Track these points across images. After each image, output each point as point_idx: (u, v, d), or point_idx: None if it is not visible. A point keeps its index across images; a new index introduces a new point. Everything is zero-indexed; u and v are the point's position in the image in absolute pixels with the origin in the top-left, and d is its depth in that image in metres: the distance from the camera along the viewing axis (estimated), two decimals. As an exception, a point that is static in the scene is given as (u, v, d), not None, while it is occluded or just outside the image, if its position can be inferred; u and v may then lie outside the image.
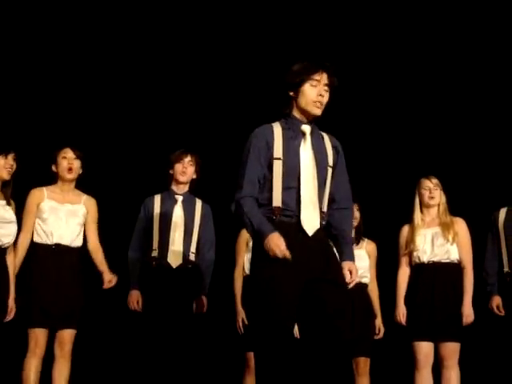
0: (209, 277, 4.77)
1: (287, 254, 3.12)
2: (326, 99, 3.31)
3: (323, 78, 3.29)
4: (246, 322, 4.72)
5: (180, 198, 4.75)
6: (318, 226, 3.24)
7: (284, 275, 3.13)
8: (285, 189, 3.24)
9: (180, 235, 4.67)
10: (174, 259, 4.63)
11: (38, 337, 4.30)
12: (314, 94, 3.28)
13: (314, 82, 3.28)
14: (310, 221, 3.23)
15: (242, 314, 4.76)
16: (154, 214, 4.71)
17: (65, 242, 4.43)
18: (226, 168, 5.64)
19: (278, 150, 3.28)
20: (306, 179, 3.25)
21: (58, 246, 4.41)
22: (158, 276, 4.61)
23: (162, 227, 4.67)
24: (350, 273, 3.27)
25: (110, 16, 5.73)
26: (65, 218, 4.46)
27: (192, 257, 4.69)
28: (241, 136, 5.69)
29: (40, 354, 4.30)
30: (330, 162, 3.35)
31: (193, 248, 4.70)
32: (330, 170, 3.34)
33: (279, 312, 3.11)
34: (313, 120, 3.36)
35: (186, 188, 4.78)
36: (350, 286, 3.28)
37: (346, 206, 3.40)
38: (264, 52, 5.74)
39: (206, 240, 4.76)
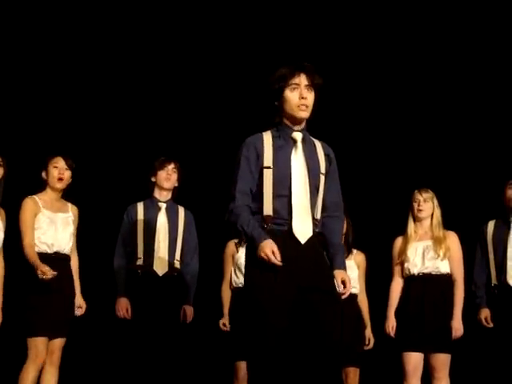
0: (194, 286, 4.78)
1: (277, 262, 3.10)
2: (310, 100, 3.27)
3: (302, 79, 3.26)
4: (228, 328, 4.77)
5: (163, 206, 4.75)
6: (310, 233, 3.23)
7: (276, 284, 3.12)
8: (276, 197, 3.23)
9: (165, 243, 4.68)
10: (161, 267, 4.63)
11: (39, 346, 4.26)
12: (296, 98, 3.25)
13: (293, 86, 3.26)
14: (302, 229, 3.21)
15: (226, 318, 4.81)
16: (138, 221, 4.70)
17: (64, 250, 4.43)
18: (209, 177, 5.70)
19: (267, 158, 3.26)
20: (298, 187, 3.23)
21: (57, 254, 4.40)
22: (145, 284, 4.61)
23: (146, 235, 4.67)
24: (344, 282, 3.25)
25: (96, 27, 5.75)
26: (61, 227, 4.45)
27: (177, 264, 4.70)
28: (223, 144, 5.79)
29: (40, 364, 4.28)
30: (323, 169, 3.33)
31: (177, 256, 4.71)
32: (322, 178, 3.31)
33: (271, 321, 3.09)
34: (304, 126, 3.35)
35: (169, 195, 4.79)
36: (345, 296, 3.26)
37: (336, 215, 3.37)
38: (248, 59, 5.76)
39: (189, 247, 4.77)
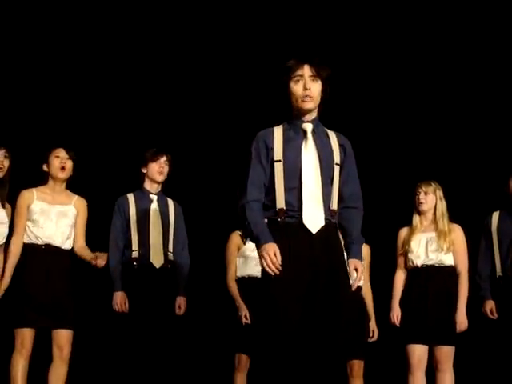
0: (187, 277, 4.76)
1: (274, 269, 3.10)
2: (314, 90, 3.26)
3: (305, 70, 3.26)
4: (248, 320, 4.72)
5: (155, 198, 4.74)
6: (322, 223, 3.21)
7: (288, 275, 3.11)
8: (287, 189, 3.23)
9: (159, 235, 4.66)
10: (157, 259, 4.62)
11: (24, 337, 4.28)
12: (300, 89, 3.25)
13: (297, 78, 3.26)
14: (313, 219, 3.21)
15: (245, 309, 4.75)
16: (131, 213, 4.67)
17: (55, 243, 4.40)
18: (202, 169, 5.73)
19: (278, 152, 3.27)
20: (309, 178, 3.23)
21: (47, 246, 4.38)
22: (142, 277, 4.59)
23: (140, 227, 4.65)
24: (356, 271, 3.25)
25: (94, 22, 5.73)
26: (55, 219, 4.43)
27: (170, 256, 4.69)
28: (212, 136, 5.78)
29: (26, 354, 4.29)
30: (337, 159, 3.32)
31: (170, 247, 4.71)
32: (336, 168, 3.31)
33: (284, 313, 3.10)
34: (316, 117, 3.34)
35: (159, 187, 4.78)
36: (356, 284, 3.27)
37: (354, 205, 3.36)
38: (241, 52, 5.75)
39: (179, 239, 4.76)
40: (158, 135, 5.49)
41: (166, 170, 4.73)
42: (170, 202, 4.80)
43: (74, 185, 4.63)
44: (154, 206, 4.71)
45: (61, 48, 5.73)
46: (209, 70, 5.82)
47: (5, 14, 5.59)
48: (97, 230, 4.72)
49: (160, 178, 4.73)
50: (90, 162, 5.49)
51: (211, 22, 5.78)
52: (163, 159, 4.72)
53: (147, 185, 4.76)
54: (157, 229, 4.66)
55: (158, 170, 4.71)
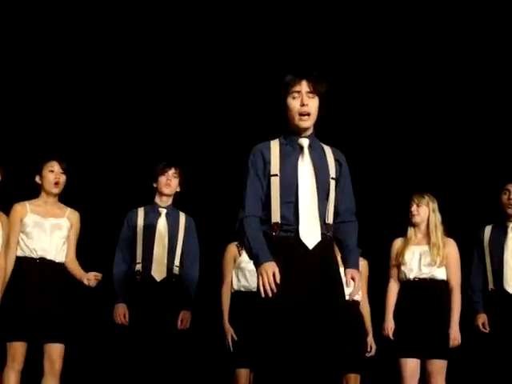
0: (193, 292, 4.76)
1: (268, 289, 3.11)
2: (311, 107, 3.27)
3: (303, 86, 3.27)
4: (236, 338, 4.76)
5: (164, 211, 4.77)
6: (318, 238, 3.22)
7: (284, 292, 3.13)
8: (283, 204, 3.24)
9: (164, 248, 4.68)
10: (158, 273, 4.64)
11: (16, 351, 4.27)
12: (297, 105, 3.26)
13: (295, 94, 3.27)
14: (310, 234, 3.22)
15: (230, 331, 4.79)
16: (138, 226, 4.71)
17: (49, 256, 4.40)
18: (211, 181, 5.74)
19: (275, 166, 3.28)
20: (305, 193, 3.24)
21: (42, 259, 4.39)
22: (143, 290, 4.62)
23: (145, 240, 4.68)
24: (353, 279, 3.25)
25: (95, 31, 5.76)
26: (49, 231, 4.43)
27: (176, 270, 4.70)
28: (225, 149, 5.82)
29: (18, 368, 4.28)
30: (332, 174, 3.33)
31: (177, 261, 4.72)
32: (332, 183, 3.32)
33: (281, 330, 3.11)
34: (312, 132, 3.36)
35: (169, 201, 4.80)
36: (355, 292, 3.30)
37: (350, 219, 3.38)
38: (251, 65, 5.77)
39: (188, 253, 4.77)
40: (173, 150, 5.51)
41: (174, 182, 4.76)
42: (182, 216, 4.81)
43: (89, 199, 4.65)
44: (162, 219, 4.74)
45: (66, 54, 5.76)
46: (222, 85, 5.85)
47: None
48: (111, 243, 4.79)
49: (167, 191, 4.76)
50: (107, 178, 5.64)
51: (213, 38, 5.82)
52: (171, 172, 4.75)
53: (157, 198, 4.80)
54: (162, 242, 4.69)
55: (165, 182, 4.74)
